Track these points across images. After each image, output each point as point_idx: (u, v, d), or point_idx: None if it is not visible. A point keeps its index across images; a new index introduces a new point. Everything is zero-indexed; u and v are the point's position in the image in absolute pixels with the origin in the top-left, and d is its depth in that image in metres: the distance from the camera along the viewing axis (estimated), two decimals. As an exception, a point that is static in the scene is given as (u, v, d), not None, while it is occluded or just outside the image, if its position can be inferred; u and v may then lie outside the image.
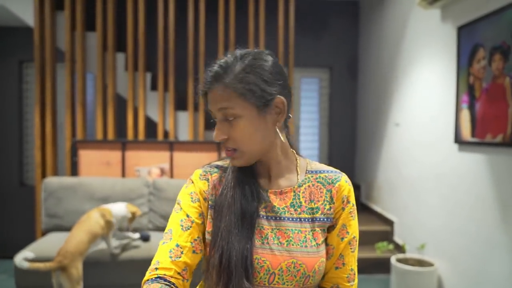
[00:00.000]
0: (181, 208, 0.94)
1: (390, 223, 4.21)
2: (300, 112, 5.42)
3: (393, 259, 3.22)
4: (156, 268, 0.86)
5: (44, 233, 3.51)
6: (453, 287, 2.98)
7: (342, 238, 0.96)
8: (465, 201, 2.84)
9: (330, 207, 0.95)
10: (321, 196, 0.96)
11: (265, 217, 0.93)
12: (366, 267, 3.84)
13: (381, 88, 4.53)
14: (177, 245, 0.89)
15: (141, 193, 3.52)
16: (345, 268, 0.96)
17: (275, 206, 0.94)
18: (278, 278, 0.88)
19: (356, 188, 5.23)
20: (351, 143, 5.44)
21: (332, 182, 0.97)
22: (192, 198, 0.95)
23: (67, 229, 3.39)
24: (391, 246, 3.46)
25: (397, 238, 4.03)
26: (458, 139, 2.90)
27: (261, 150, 0.93)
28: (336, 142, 5.40)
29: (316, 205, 0.95)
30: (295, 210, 0.94)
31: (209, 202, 0.95)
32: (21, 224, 4.54)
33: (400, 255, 3.30)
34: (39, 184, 3.84)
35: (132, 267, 2.98)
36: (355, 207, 0.99)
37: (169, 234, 0.91)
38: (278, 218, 0.93)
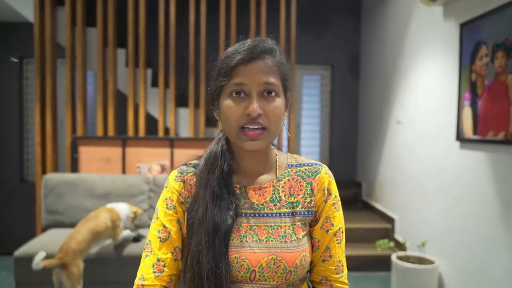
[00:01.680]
0: (157, 218, 0.92)
1: (391, 220, 4.20)
2: (302, 110, 5.40)
3: (393, 257, 3.21)
4: (142, 285, 0.88)
5: (44, 229, 3.50)
6: (453, 285, 2.97)
7: (327, 231, 0.94)
8: (466, 199, 2.83)
9: (311, 200, 0.94)
10: (301, 190, 0.94)
11: (243, 214, 0.91)
12: (367, 264, 3.84)
13: (383, 86, 4.51)
14: (158, 260, 0.89)
15: (141, 189, 3.52)
16: (333, 260, 0.95)
17: (254, 202, 0.92)
18: (259, 275, 0.87)
19: (357, 185, 5.22)
20: (352, 140, 5.43)
21: (312, 175, 0.96)
22: (167, 205, 0.93)
23: (67, 225, 3.39)
24: (391, 244, 3.45)
25: (398, 236, 4.02)
26: (460, 137, 2.89)
27: (275, 138, 0.92)
28: (338, 139, 5.38)
29: (296, 199, 0.94)
30: (274, 205, 0.92)
31: (186, 205, 0.93)
32: (21, 220, 4.54)
33: (401, 253, 3.29)
34: (39, 180, 3.83)
35: (134, 263, 2.97)
36: (338, 198, 0.97)
37: (150, 246, 0.91)
38: (257, 215, 0.91)
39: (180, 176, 0.95)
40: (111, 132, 4.03)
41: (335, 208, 0.96)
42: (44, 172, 3.94)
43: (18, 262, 2.89)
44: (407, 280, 3.04)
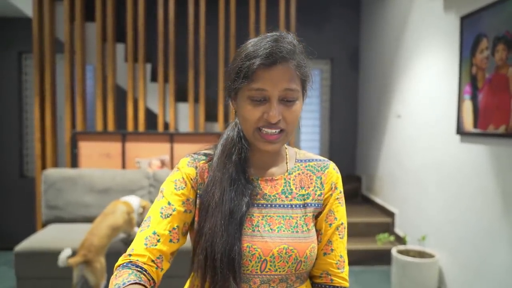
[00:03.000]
0: (163, 196, 0.91)
1: (391, 214, 4.21)
2: (301, 104, 5.38)
3: (394, 251, 3.22)
4: (130, 255, 0.84)
5: (44, 224, 3.51)
6: (453, 279, 2.98)
7: (330, 224, 0.95)
8: (467, 193, 2.83)
9: (321, 193, 0.96)
10: (311, 183, 0.96)
11: (255, 205, 0.91)
12: (367, 258, 3.84)
13: (382, 80, 4.50)
14: (154, 233, 0.86)
15: (141, 184, 3.51)
16: (334, 254, 0.95)
17: (266, 193, 0.93)
18: (270, 265, 0.87)
19: (357, 180, 5.22)
20: (352, 135, 5.42)
21: (321, 169, 0.98)
22: (176, 185, 0.92)
23: (67, 220, 3.39)
24: (392, 238, 3.46)
25: (398, 230, 4.02)
26: (460, 130, 2.88)
27: (292, 137, 0.93)
28: (337, 134, 5.38)
29: (307, 192, 0.95)
30: (286, 196, 0.93)
31: (198, 191, 0.92)
32: (21, 216, 4.54)
33: (401, 247, 3.30)
34: (39, 175, 3.83)
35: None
36: (342, 194, 0.99)
37: (148, 222, 0.88)
38: (269, 206, 0.92)
39: (193, 163, 0.95)
40: (110, 127, 4.02)
41: (339, 202, 0.97)
42: (44, 167, 3.94)
43: (19, 257, 2.89)
44: (407, 273, 3.04)
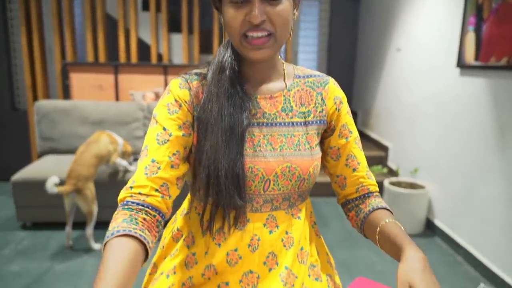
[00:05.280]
0: (156, 122, 0.85)
1: (385, 149, 4.25)
2: (299, 37, 5.23)
3: (386, 182, 3.28)
4: (131, 187, 0.79)
5: (39, 156, 3.51)
6: (442, 208, 3.08)
7: (347, 138, 0.94)
8: (463, 126, 2.83)
9: (322, 109, 0.93)
10: (311, 99, 0.92)
11: (256, 124, 0.88)
12: (359, 191, 3.93)
13: (385, 12, 4.33)
14: (153, 160, 0.80)
15: (136, 117, 3.48)
16: (362, 166, 0.95)
17: (265, 112, 0.89)
18: (274, 185, 0.86)
19: (353, 114, 5.18)
20: (349, 69, 5.33)
21: (321, 85, 0.94)
22: (169, 109, 0.85)
23: (63, 152, 3.39)
24: (385, 170, 3.52)
25: (391, 164, 4.09)
26: (461, 63, 2.82)
27: (283, 44, 0.86)
28: (335, 68, 5.28)
29: (307, 109, 0.92)
30: (286, 114, 0.90)
31: (194, 113, 0.87)
32: (15, 148, 4.53)
33: (393, 179, 3.36)
34: (31, 107, 3.78)
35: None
36: (348, 106, 0.97)
37: (145, 151, 0.82)
38: (269, 124, 0.88)
39: (185, 84, 0.88)
40: (102, 58, 3.90)
41: (349, 115, 0.96)
42: (35, 99, 3.87)
43: (16, 186, 2.93)
44: (398, 204, 3.13)
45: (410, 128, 3.67)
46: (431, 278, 0.69)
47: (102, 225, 3.04)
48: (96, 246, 2.78)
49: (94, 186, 2.73)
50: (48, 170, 2.96)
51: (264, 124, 0.88)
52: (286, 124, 0.89)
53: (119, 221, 0.73)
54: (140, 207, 0.77)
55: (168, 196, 0.81)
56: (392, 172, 3.92)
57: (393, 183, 3.29)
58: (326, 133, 0.94)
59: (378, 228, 0.86)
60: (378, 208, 0.92)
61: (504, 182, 2.40)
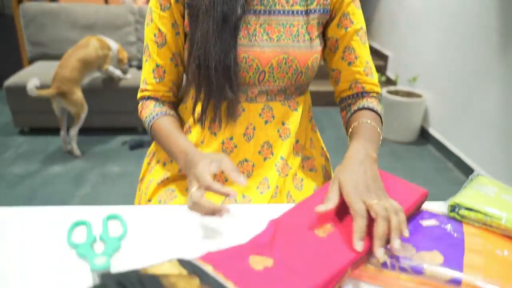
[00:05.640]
0: (152, 20, 0.84)
1: (384, 58, 4.16)
2: None
3: (384, 91, 3.26)
4: (146, 90, 0.89)
5: (30, 61, 3.42)
6: (438, 117, 3.09)
7: (346, 28, 0.86)
8: (467, 32, 2.73)
9: None
10: None
11: (252, 11, 0.82)
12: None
13: None
14: (157, 65, 0.87)
15: (127, 20, 3.33)
16: (359, 61, 0.88)
17: None
18: (269, 76, 0.83)
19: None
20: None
21: None
22: (161, 5, 0.82)
23: (54, 57, 3.30)
24: (383, 78, 3.48)
25: (390, 73, 4.02)
26: (472, -38, 2.64)
27: None
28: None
29: None
30: (286, 1, 0.83)
31: (185, 0, 0.82)
32: (5, 55, 4.40)
33: (391, 87, 3.33)
34: (16, 10, 3.59)
35: (128, 94, 2.98)
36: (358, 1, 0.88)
37: (148, 51, 0.87)
38: (267, 12, 0.82)
39: None
40: (87, -45, 3.62)
41: (355, 5, 0.86)
42: (20, 1, 3.67)
43: (10, 91, 2.90)
44: (395, 112, 3.14)
45: (412, 36, 3.55)
46: (364, 177, 0.64)
47: (92, 131, 3.07)
48: (78, 151, 2.76)
49: (88, 92, 2.69)
50: (39, 75, 2.90)
51: (261, 11, 0.82)
52: (286, 12, 0.83)
53: (151, 107, 0.88)
54: (160, 102, 0.91)
55: (176, 88, 0.93)
56: (391, 82, 3.87)
57: (390, 92, 3.27)
58: (327, 22, 0.88)
59: (351, 129, 0.84)
60: (364, 108, 0.88)
61: (504, 90, 2.38)
